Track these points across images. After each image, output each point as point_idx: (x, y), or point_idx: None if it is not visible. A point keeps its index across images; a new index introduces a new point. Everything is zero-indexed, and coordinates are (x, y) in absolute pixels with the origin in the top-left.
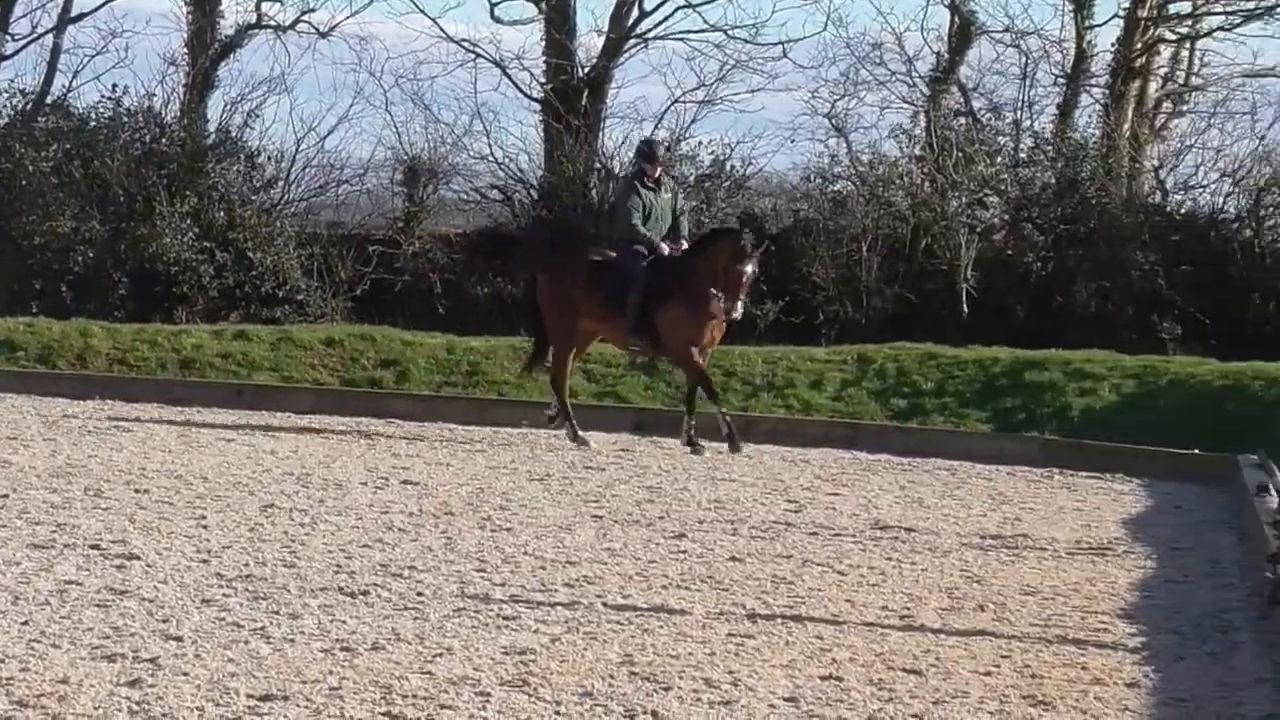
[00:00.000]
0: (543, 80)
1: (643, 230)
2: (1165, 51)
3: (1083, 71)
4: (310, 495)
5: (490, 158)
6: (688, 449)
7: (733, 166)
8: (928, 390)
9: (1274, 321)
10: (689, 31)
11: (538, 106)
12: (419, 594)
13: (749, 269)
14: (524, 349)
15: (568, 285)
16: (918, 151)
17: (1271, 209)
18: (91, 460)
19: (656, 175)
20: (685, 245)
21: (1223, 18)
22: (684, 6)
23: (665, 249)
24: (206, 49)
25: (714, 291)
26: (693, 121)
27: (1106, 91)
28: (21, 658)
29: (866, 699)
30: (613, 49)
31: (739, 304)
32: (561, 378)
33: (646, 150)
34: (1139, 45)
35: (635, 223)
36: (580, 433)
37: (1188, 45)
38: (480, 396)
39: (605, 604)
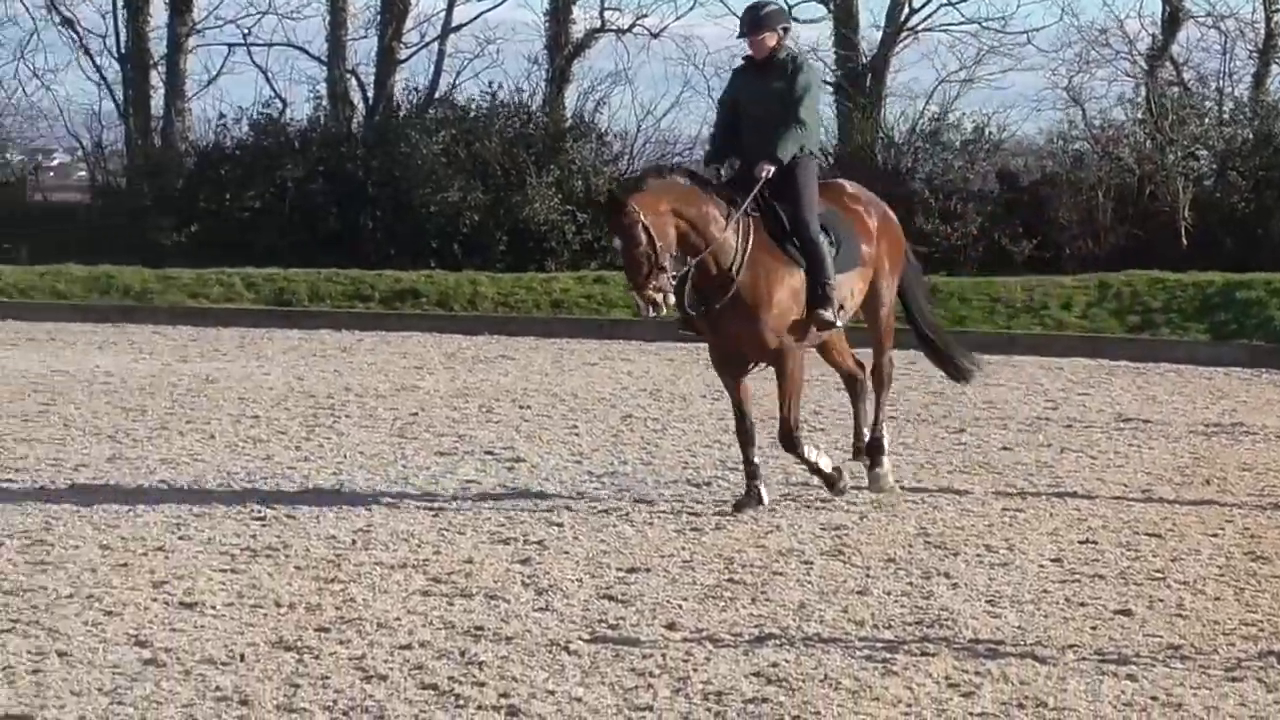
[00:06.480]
0: (834, 68)
1: (708, 148)
2: None
3: (1272, 47)
4: (661, 407)
5: None
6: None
7: (990, 133)
8: (1156, 308)
9: None
10: (950, 24)
11: (831, 90)
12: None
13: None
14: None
15: None
16: (1140, 116)
17: None
18: (483, 384)
19: (764, 55)
20: (772, 167)
21: None
22: (945, 4)
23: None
24: (562, 50)
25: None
26: (956, 97)
27: None
28: (434, 543)
29: (1118, 558)
30: (889, 40)
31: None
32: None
33: (741, 19)
34: None
35: (712, 135)
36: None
37: None
38: None
39: (903, 487)
